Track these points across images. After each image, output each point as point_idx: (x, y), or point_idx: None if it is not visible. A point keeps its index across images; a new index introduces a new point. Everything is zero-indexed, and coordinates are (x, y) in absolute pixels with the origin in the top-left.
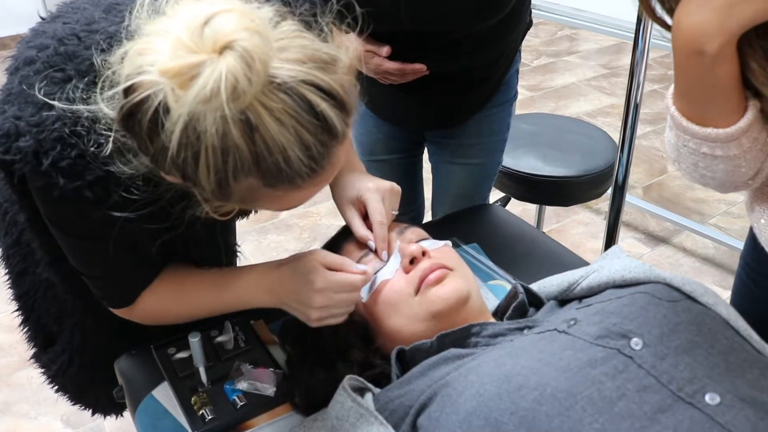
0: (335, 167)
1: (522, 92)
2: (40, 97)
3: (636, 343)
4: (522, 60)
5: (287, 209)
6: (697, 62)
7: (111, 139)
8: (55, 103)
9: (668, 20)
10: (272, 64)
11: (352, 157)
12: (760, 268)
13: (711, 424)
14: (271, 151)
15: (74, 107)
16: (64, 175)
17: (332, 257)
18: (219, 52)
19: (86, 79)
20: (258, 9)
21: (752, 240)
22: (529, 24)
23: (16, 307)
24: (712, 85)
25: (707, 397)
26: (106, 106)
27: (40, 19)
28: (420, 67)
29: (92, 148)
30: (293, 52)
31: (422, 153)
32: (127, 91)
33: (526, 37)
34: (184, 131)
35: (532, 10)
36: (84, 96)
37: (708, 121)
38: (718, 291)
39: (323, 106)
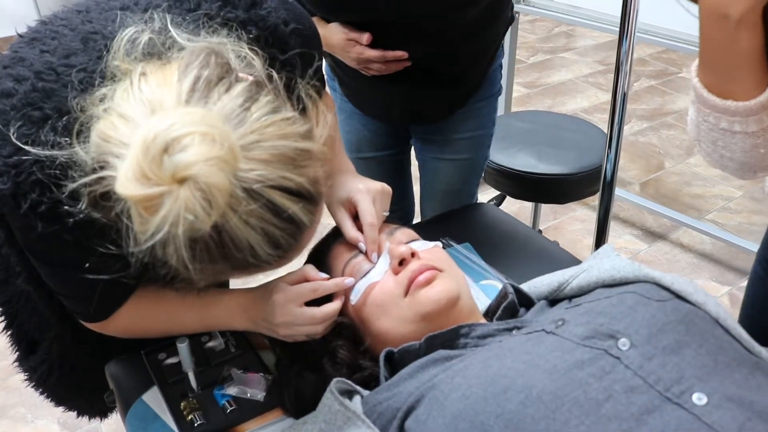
0: (305, 246)
1: (518, 89)
2: (18, 142)
3: (623, 343)
4: (518, 57)
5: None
6: (721, 27)
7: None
8: (30, 149)
9: None
10: (239, 165)
11: (342, 157)
12: None
13: (698, 424)
14: (239, 249)
15: (54, 152)
16: (43, 219)
17: (294, 276)
18: (179, 183)
19: (64, 119)
20: (227, 93)
21: None
22: (511, 19)
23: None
24: (735, 52)
25: (694, 397)
26: (81, 150)
27: (32, 23)
28: (401, 54)
29: (64, 197)
30: (261, 150)
31: (409, 150)
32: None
33: (522, 33)
34: (151, 242)
35: (529, 7)
36: (60, 139)
37: (729, 93)
38: (716, 287)
39: (292, 209)
